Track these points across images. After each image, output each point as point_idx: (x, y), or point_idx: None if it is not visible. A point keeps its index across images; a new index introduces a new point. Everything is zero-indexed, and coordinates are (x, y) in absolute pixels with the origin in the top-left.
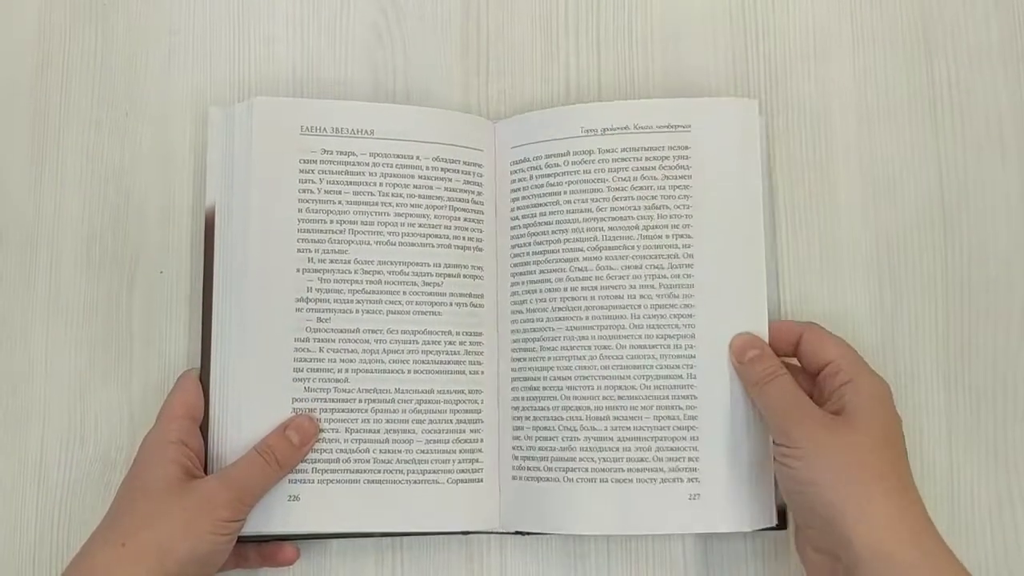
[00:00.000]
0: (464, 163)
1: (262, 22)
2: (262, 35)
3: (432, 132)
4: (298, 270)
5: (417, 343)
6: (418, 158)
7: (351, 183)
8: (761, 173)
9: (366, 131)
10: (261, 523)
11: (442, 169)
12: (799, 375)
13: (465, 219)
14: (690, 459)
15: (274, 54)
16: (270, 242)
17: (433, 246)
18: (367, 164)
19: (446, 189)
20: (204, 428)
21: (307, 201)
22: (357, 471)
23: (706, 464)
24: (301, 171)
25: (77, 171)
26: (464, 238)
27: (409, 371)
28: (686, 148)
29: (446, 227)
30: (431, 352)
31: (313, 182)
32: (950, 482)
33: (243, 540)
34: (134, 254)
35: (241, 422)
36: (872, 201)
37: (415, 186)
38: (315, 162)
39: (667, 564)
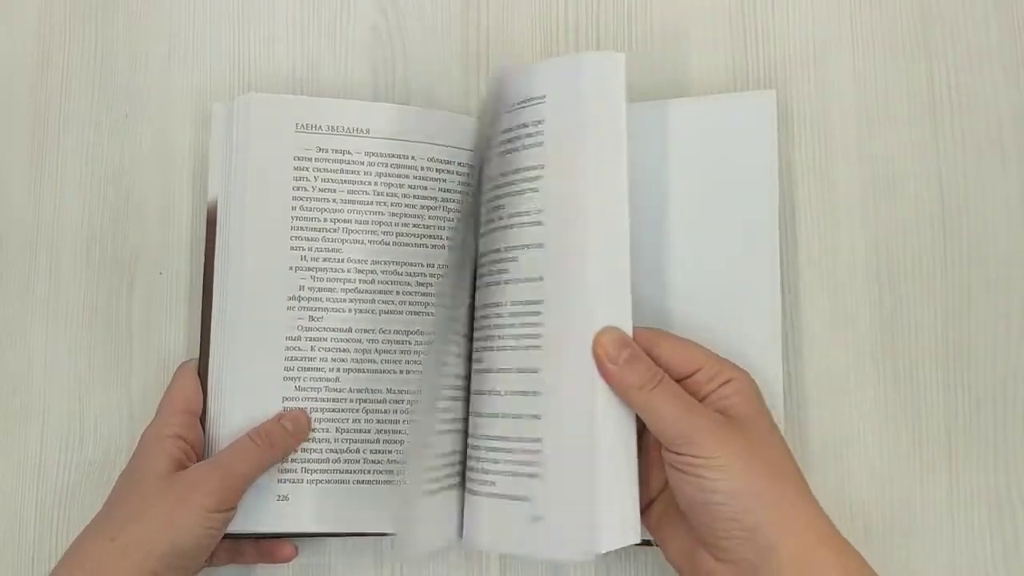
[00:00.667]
0: (459, 164)
1: (262, 22)
2: (262, 35)
3: (427, 132)
4: (291, 268)
5: (409, 343)
6: (413, 158)
7: (345, 181)
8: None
9: (361, 130)
10: (250, 522)
11: (437, 170)
12: None
13: (459, 220)
14: (530, 475)
15: (274, 54)
16: (264, 239)
17: (427, 247)
18: (362, 163)
19: (440, 189)
20: (202, 421)
21: (301, 199)
22: (347, 471)
23: (550, 486)
24: (295, 168)
25: (77, 172)
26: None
27: (401, 371)
28: (540, 122)
29: (439, 227)
30: (423, 353)
31: (307, 180)
32: (950, 482)
33: (239, 537)
34: (134, 255)
35: (233, 419)
36: (872, 202)
37: (409, 186)
38: (310, 160)
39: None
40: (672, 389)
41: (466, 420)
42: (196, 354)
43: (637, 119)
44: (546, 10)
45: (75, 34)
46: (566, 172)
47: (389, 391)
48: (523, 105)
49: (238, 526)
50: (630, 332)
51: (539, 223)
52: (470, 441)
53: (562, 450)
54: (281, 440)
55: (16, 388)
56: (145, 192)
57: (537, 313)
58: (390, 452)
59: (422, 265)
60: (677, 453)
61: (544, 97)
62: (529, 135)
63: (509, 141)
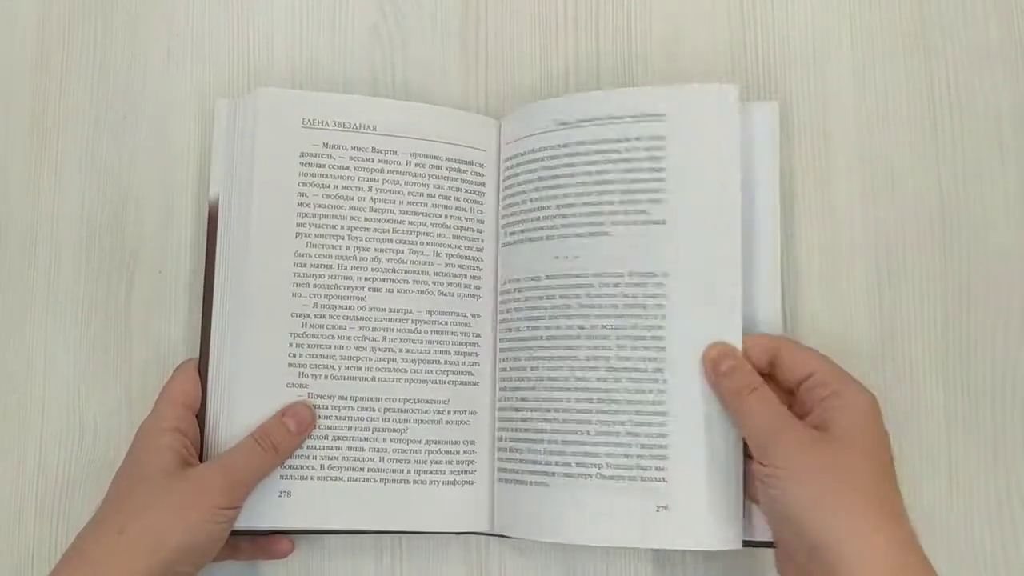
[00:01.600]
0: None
1: (261, 21)
2: (261, 34)
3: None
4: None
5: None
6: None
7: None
8: (741, 166)
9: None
10: (253, 518)
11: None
12: (776, 391)
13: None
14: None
15: (273, 53)
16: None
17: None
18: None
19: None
20: (200, 417)
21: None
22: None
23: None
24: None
25: (76, 170)
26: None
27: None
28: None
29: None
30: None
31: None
32: (949, 482)
33: (236, 533)
34: (133, 253)
35: (236, 410)
36: (871, 201)
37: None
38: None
39: (668, 568)
40: (765, 398)
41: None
42: (196, 353)
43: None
44: (546, 10)
45: (74, 33)
46: (689, 188)
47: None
48: (636, 120)
49: (241, 523)
50: (739, 340)
51: (662, 222)
52: (559, 438)
53: (686, 452)
54: (285, 441)
55: (15, 387)
56: (144, 191)
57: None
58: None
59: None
60: (759, 463)
61: (664, 115)
62: (647, 148)
63: (615, 151)
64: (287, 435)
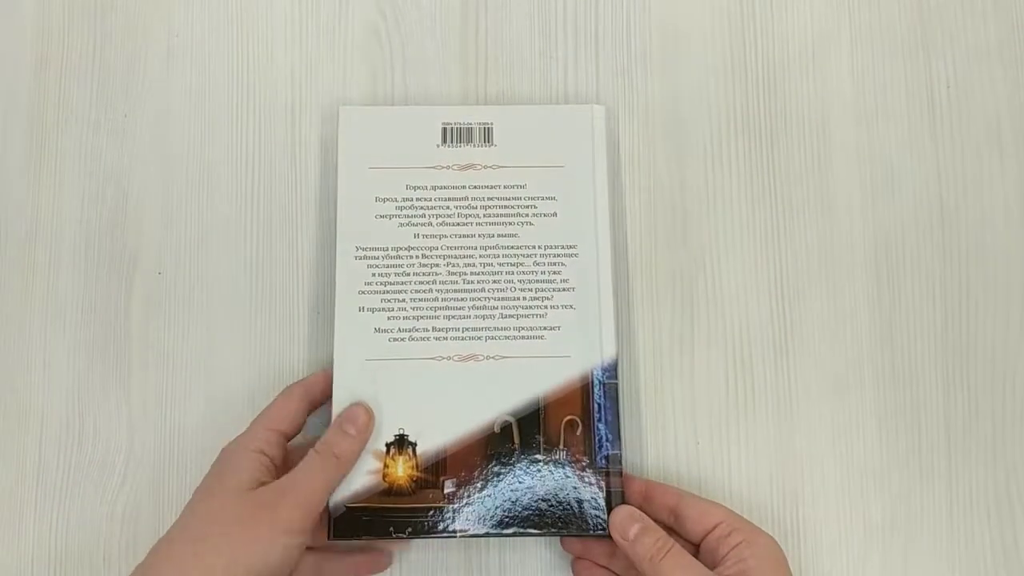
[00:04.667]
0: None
1: (261, 20)
2: (261, 33)
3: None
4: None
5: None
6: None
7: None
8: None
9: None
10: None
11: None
12: (680, 543)
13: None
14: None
15: (273, 54)
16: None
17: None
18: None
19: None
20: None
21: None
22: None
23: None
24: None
25: (75, 172)
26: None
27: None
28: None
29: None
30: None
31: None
32: (949, 482)
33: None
34: (132, 255)
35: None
36: (870, 201)
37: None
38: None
39: None
40: (681, 559)
41: None
42: (196, 353)
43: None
44: (545, 10)
45: (73, 34)
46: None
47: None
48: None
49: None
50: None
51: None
52: None
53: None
54: (346, 448)
55: (15, 388)
56: (144, 192)
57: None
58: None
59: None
60: None
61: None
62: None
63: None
64: (347, 440)
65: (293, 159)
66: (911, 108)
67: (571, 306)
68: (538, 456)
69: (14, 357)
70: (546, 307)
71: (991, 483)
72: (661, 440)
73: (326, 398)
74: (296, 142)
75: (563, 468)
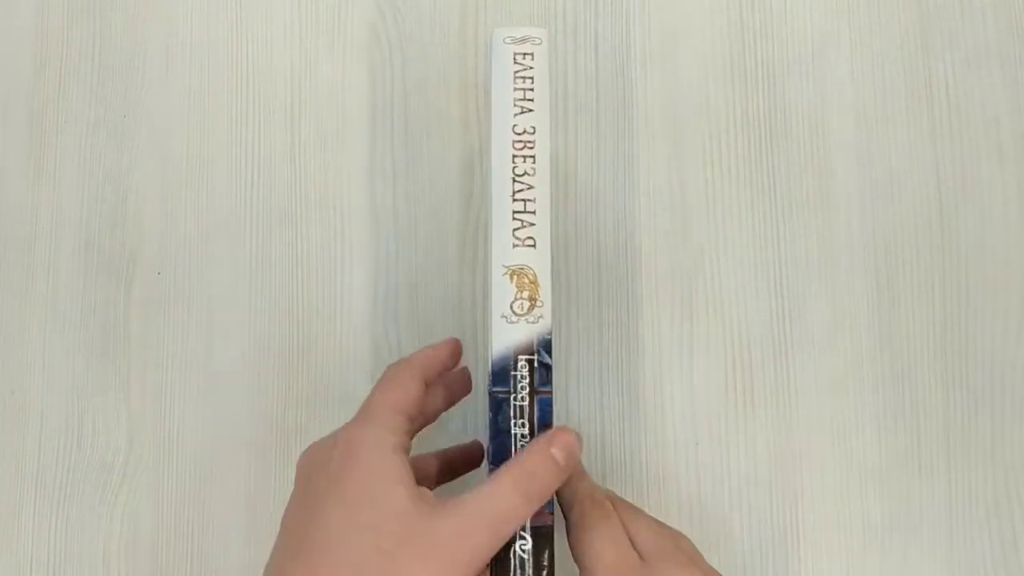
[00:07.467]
0: None
1: (260, 20)
2: (260, 33)
3: None
4: None
5: None
6: None
7: None
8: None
9: None
10: None
11: None
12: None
13: None
14: None
15: (273, 52)
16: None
17: None
18: None
19: None
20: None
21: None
22: None
23: None
24: None
25: (75, 173)
26: None
27: None
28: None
29: None
30: None
31: None
32: (948, 482)
33: None
34: (132, 256)
35: None
36: (870, 202)
37: None
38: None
39: None
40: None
41: None
42: (197, 354)
43: None
44: (545, 10)
45: (73, 34)
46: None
47: None
48: None
49: None
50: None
51: None
52: None
53: None
54: (550, 483)
55: (14, 389)
56: (143, 193)
57: None
58: None
59: None
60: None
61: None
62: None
63: None
64: (554, 473)
65: (293, 159)
66: (911, 108)
67: None
68: None
69: (14, 357)
70: None
71: (990, 483)
72: (661, 440)
73: (436, 377)
74: (296, 142)
75: None
